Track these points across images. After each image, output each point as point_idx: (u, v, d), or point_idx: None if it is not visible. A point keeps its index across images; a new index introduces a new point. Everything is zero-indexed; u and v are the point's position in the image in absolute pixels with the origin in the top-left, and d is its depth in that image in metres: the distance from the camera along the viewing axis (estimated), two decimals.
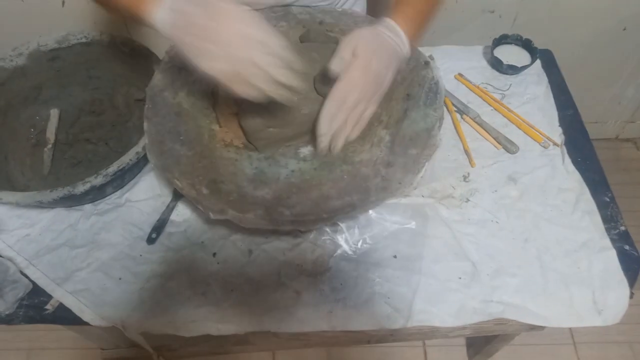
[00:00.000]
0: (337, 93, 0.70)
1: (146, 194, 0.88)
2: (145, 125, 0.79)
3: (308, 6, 0.94)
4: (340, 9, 0.96)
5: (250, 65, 0.59)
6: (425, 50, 0.91)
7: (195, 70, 0.62)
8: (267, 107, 0.76)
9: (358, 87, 0.70)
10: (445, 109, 0.92)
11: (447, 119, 0.96)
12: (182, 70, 0.85)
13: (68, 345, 1.54)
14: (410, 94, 0.84)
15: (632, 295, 0.77)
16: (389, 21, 0.75)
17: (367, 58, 0.70)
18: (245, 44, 0.58)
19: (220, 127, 0.83)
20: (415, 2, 0.78)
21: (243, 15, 0.59)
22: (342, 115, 0.71)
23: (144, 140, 0.79)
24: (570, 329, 1.53)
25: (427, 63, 0.86)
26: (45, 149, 0.94)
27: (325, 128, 0.72)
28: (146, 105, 0.81)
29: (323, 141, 0.73)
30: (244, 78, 0.60)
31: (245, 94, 0.61)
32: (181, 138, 0.80)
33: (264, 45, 0.59)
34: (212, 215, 0.72)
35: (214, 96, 0.84)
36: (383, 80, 0.73)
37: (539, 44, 1.04)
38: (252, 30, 0.59)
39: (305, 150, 0.82)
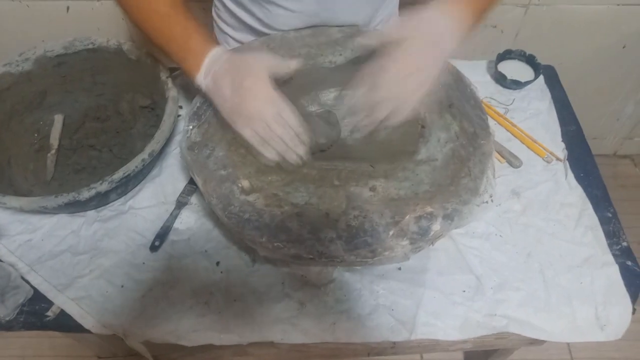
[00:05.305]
0: (400, 61, 0.68)
1: (150, 202, 0.87)
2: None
3: (343, 25, 0.92)
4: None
5: (269, 133, 0.72)
6: None
7: None
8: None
9: (420, 54, 0.69)
10: None
11: None
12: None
13: (62, 353, 1.52)
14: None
15: (634, 311, 0.77)
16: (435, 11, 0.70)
17: (425, 34, 0.69)
18: (262, 118, 0.71)
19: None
20: None
21: (262, 94, 0.72)
22: (403, 85, 0.69)
23: (150, 148, 0.79)
24: (568, 344, 1.53)
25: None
26: (49, 155, 0.93)
27: (389, 92, 0.69)
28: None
29: (381, 109, 0.70)
30: (266, 142, 0.73)
31: (267, 154, 0.74)
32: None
33: (279, 118, 0.72)
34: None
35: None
36: (436, 62, 0.71)
37: (539, 59, 1.05)
38: (269, 107, 0.72)
39: None
